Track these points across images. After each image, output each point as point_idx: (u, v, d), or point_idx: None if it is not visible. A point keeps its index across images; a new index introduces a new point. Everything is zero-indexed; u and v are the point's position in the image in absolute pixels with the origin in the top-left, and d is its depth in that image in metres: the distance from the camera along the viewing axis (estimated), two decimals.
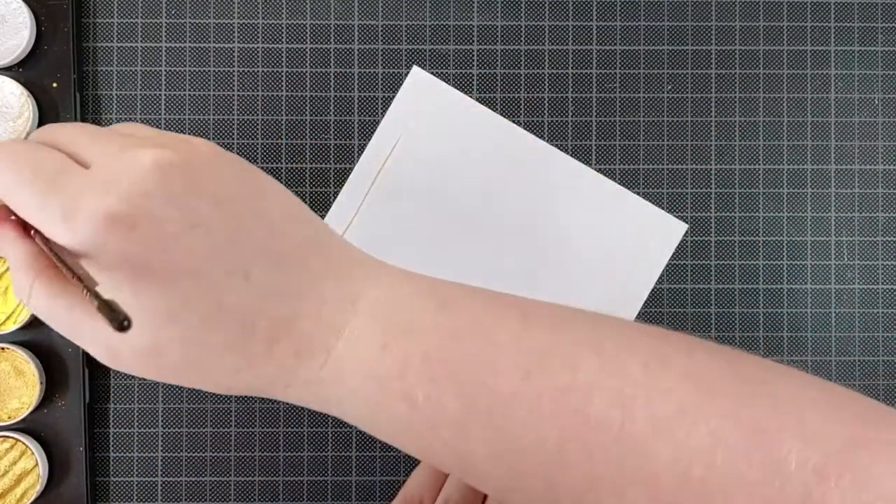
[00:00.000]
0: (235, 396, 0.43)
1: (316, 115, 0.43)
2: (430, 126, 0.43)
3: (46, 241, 0.27)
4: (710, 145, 0.43)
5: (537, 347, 0.27)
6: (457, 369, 0.27)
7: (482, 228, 0.43)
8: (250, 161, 0.43)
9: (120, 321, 0.22)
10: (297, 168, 0.43)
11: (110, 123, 0.43)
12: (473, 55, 0.43)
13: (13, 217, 0.28)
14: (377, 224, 0.43)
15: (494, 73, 0.43)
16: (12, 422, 0.41)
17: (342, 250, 0.30)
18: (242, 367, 0.28)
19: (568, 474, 0.26)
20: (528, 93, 0.43)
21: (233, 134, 0.43)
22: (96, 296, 0.23)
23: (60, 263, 0.25)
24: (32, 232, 0.27)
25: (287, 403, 0.43)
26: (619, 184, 0.43)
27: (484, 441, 0.27)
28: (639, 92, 0.43)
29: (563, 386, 0.26)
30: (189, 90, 0.43)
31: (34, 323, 0.41)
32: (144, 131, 0.30)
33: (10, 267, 0.30)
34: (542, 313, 0.29)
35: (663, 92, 0.43)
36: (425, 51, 0.43)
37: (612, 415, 0.25)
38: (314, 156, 0.43)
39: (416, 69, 0.43)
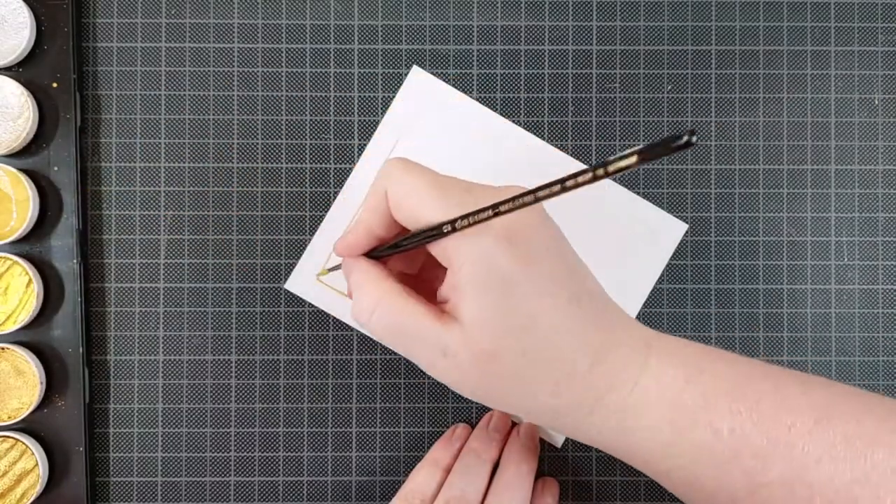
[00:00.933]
0: (235, 396, 0.43)
1: (316, 115, 0.43)
2: (430, 126, 0.43)
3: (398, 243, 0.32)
4: (710, 145, 0.43)
5: (820, 402, 0.31)
6: (756, 406, 0.31)
7: None
8: (250, 161, 0.44)
9: (689, 133, 0.22)
10: (297, 168, 0.43)
11: (110, 123, 0.43)
12: (473, 55, 0.43)
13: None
14: None
15: (494, 73, 0.43)
16: (12, 422, 0.41)
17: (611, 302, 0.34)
18: (563, 386, 0.31)
19: None
20: (528, 93, 0.43)
21: (233, 134, 0.43)
22: (604, 164, 0.24)
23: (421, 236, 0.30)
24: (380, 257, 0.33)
25: (287, 403, 0.43)
26: (620, 184, 0.43)
27: (780, 473, 0.30)
28: (639, 92, 0.43)
29: (850, 434, 0.30)
30: (189, 90, 0.43)
31: (34, 323, 0.41)
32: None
33: (353, 284, 0.33)
34: (817, 381, 0.33)
35: (663, 92, 0.43)
36: (425, 51, 0.43)
37: (893, 464, 0.29)
38: (314, 156, 0.43)
39: (416, 69, 0.43)
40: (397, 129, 0.43)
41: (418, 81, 0.43)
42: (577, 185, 0.25)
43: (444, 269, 0.32)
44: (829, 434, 0.30)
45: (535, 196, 0.27)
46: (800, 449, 0.30)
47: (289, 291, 0.43)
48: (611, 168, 0.23)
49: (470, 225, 0.29)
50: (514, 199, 0.27)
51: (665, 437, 0.31)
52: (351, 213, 0.43)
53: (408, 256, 0.36)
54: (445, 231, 0.30)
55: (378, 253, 0.34)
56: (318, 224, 0.43)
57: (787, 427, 0.31)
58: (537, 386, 0.31)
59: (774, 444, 0.30)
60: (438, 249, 0.31)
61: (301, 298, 0.43)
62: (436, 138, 0.43)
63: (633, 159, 0.23)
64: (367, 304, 0.32)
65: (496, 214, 0.28)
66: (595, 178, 0.24)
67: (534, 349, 0.31)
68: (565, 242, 0.33)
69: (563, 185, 0.26)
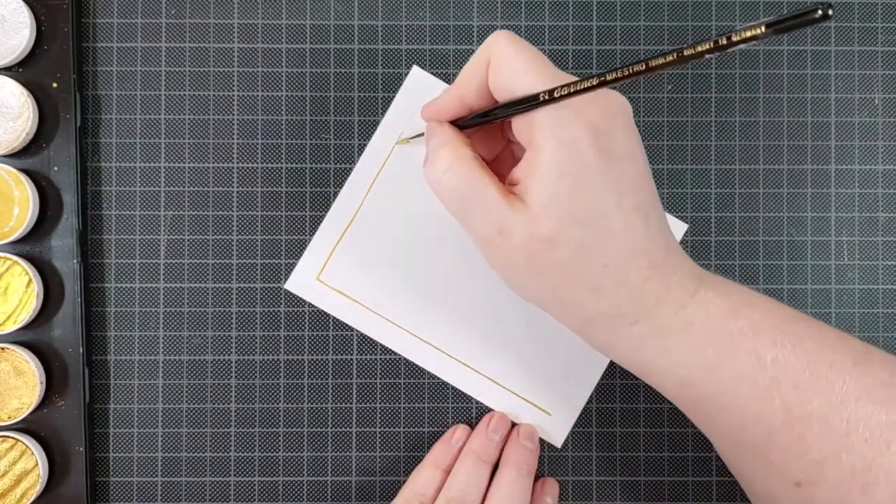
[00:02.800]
0: (235, 396, 0.43)
1: (316, 115, 0.43)
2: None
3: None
4: (710, 145, 0.43)
5: (859, 348, 0.32)
6: (799, 342, 0.32)
7: None
8: (250, 161, 0.44)
9: (825, 8, 0.21)
10: (297, 168, 0.43)
11: (110, 123, 0.43)
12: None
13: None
14: (376, 224, 0.43)
15: None
16: (12, 422, 0.41)
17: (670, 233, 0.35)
18: (611, 290, 0.32)
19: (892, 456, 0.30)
20: None
21: (233, 134, 0.43)
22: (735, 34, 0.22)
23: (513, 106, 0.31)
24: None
25: (287, 403, 0.43)
26: None
27: (819, 406, 0.31)
28: (639, 92, 0.43)
29: (887, 381, 0.31)
30: (189, 90, 0.43)
31: (34, 323, 0.41)
32: None
33: (432, 146, 0.34)
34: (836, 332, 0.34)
35: (663, 92, 0.43)
36: (425, 51, 0.43)
37: None
38: (314, 156, 0.43)
39: (415, 69, 0.43)
40: (397, 129, 0.43)
41: (418, 81, 0.43)
42: (695, 55, 0.23)
43: (519, 162, 0.33)
44: (868, 377, 0.31)
45: (646, 65, 0.26)
46: (840, 386, 0.31)
47: (289, 291, 0.43)
48: (735, 37, 0.22)
49: (569, 95, 0.29)
50: (624, 68, 0.27)
51: (707, 361, 0.32)
52: (351, 213, 0.43)
53: (488, 140, 0.37)
54: (542, 99, 0.30)
55: (465, 122, 0.34)
56: (318, 224, 0.43)
57: (828, 364, 0.31)
58: (585, 284, 0.32)
59: (815, 377, 0.31)
60: (524, 123, 0.32)
61: (301, 298, 0.43)
62: None
63: (762, 30, 0.21)
64: (442, 163, 0.33)
65: (601, 84, 0.28)
66: (716, 48, 0.23)
67: (593, 246, 0.31)
68: (644, 154, 0.33)
69: (679, 53, 0.24)
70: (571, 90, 0.29)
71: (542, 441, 0.43)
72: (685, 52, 0.24)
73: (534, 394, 0.43)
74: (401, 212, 0.43)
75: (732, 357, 0.32)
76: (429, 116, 0.36)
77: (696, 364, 0.32)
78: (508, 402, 0.43)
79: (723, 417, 0.33)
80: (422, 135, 0.37)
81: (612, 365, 0.43)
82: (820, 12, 0.20)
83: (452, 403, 0.43)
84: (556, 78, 0.31)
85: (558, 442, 0.43)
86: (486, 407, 0.43)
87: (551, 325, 0.42)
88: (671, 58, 0.24)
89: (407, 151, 0.43)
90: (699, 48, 0.23)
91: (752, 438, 0.32)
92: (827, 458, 0.31)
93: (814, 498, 0.31)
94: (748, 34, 0.21)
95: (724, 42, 0.22)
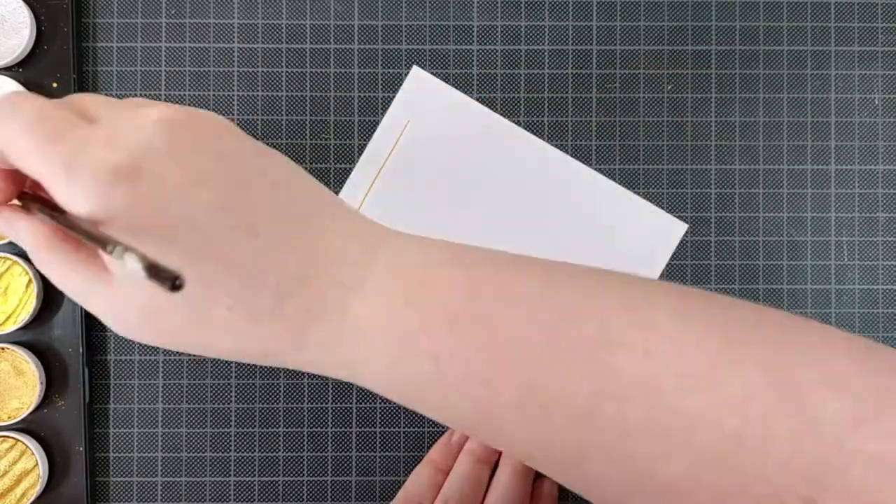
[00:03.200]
0: (235, 396, 0.43)
1: (316, 115, 0.43)
2: (430, 126, 0.43)
3: (54, 212, 0.26)
4: (710, 145, 0.43)
5: (562, 302, 0.26)
6: (483, 325, 0.26)
7: (481, 229, 0.43)
8: None
9: (172, 280, 0.21)
10: None
11: None
12: (473, 55, 0.43)
13: (12, 202, 0.28)
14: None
15: (494, 73, 0.43)
16: (12, 422, 0.41)
17: (352, 212, 0.29)
18: (249, 328, 0.26)
19: (597, 430, 0.25)
20: (527, 93, 0.43)
21: None
22: (143, 258, 0.22)
23: (80, 232, 0.25)
24: (37, 208, 0.27)
25: (287, 403, 0.43)
26: (620, 184, 0.43)
27: (512, 398, 0.26)
28: (639, 92, 0.43)
29: (591, 338, 0.25)
30: (189, 90, 0.43)
31: (34, 323, 0.41)
32: (154, 102, 0.29)
33: (25, 248, 0.29)
34: (565, 271, 0.28)
35: (663, 92, 0.43)
36: (425, 51, 0.43)
37: (643, 368, 0.24)
38: (314, 156, 0.43)
39: (415, 69, 0.43)
40: (397, 129, 0.43)
41: (418, 82, 0.43)
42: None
43: None
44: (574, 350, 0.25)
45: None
46: (531, 371, 0.25)
47: None
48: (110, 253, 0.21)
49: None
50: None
51: (383, 369, 0.27)
52: None
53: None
54: (108, 251, 0.23)
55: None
56: None
57: (517, 348, 0.25)
58: (222, 335, 0.26)
59: (502, 366, 0.26)
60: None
61: None
62: (436, 139, 0.43)
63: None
64: (33, 256, 0.27)
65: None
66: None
67: (200, 296, 0.25)
68: (233, 160, 0.27)
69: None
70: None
71: None
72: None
73: None
74: (402, 211, 0.43)
75: (407, 361, 0.26)
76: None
77: (379, 374, 0.27)
78: None
79: (445, 421, 0.28)
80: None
81: None
82: (170, 283, 0.21)
83: None
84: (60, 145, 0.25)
85: None
86: None
87: None
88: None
89: (407, 154, 0.43)
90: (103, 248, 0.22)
91: (490, 439, 0.28)
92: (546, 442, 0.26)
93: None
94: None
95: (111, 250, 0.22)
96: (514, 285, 0.27)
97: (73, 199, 0.25)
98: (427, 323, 0.26)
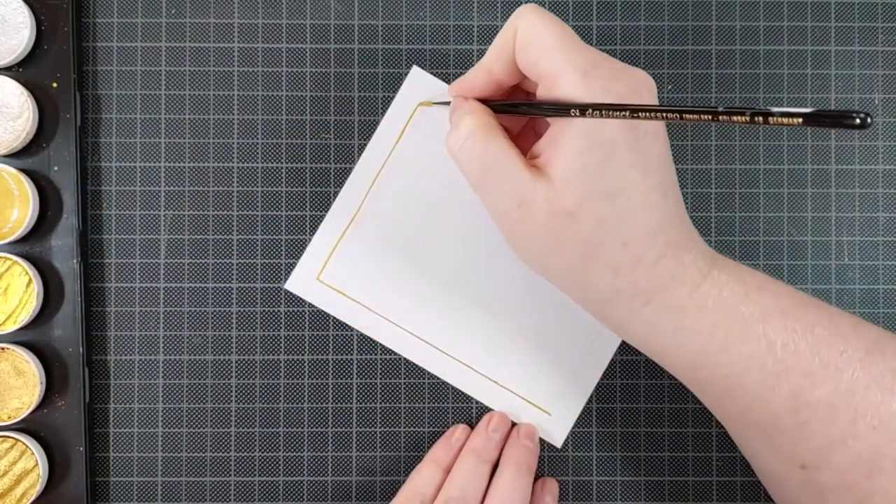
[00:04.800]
0: (235, 396, 0.43)
1: (316, 115, 0.43)
2: (430, 125, 0.43)
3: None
4: (710, 145, 0.43)
5: (871, 337, 0.32)
6: (811, 329, 0.32)
7: (480, 229, 0.43)
8: (250, 161, 0.44)
9: (863, 117, 0.22)
10: (297, 168, 0.43)
11: (110, 123, 0.43)
12: (473, 55, 0.43)
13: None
14: (376, 224, 0.43)
15: None
16: (12, 422, 0.41)
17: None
18: (628, 269, 0.32)
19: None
20: None
21: (233, 134, 0.43)
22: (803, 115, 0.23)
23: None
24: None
25: (287, 403, 0.43)
26: None
27: (828, 394, 0.31)
28: None
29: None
30: (189, 90, 0.43)
31: (34, 323, 0.41)
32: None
33: (456, 116, 0.34)
34: (862, 320, 0.34)
35: (663, 92, 0.43)
36: (425, 51, 0.43)
37: None
38: (314, 156, 0.43)
39: (415, 69, 0.43)
40: (397, 129, 0.43)
41: (418, 82, 0.43)
42: (730, 121, 0.25)
43: (540, 138, 0.33)
44: (880, 366, 0.31)
45: (680, 116, 0.27)
46: (849, 374, 0.31)
47: (289, 291, 0.43)
48: (771, 120, 0.24)
49: (600, 115, 0.29)
50: (657, 109, 0.28)
51: (717, 343, 0.32)
52: (351, 213, 0.43)
53: (511, 116, 0.36)
54: (572, 114, 0.30)
55: (493, 106, 0.35)
56: (318, 224, 0.43)
57: (839, 352, 0.31)
58: (603, 262, 0.32)
59: (825, 365, 0.31)
60: (552, 97, 0.32)
61: (301, 298, 0.43)
62: (435, 138, 0.43)
63: (798, 120, 0.23)
64: (464, 131, 0.33)
65: (633, 117, 0.29)
66: (752, 122, 0.25)
67: (613, 222, 0.31)
68: (666, 133, 0.33)
69: (714, 115, 0.26)
70: (603, 115, 0.29)
71: (542, 441, 0.43)
72: (721, 116, 0.26)
73: (534, 394, 0.43)
74: (401, 211, 0.43)
75: (743, 341, 0.32)
76: (456, 92, 0.36)
77: (706, 346, 0.32)
78: (509, 402, 0.43)
79: (730, 400, 0.33)
80: (447, 103, 0.37)
81: (612, 365, 0.43)
82: (858, 120, 0.22)
83: (453, 403, 0.43)
84: (583, 55, 0.31)
85: (558, 442, 0.43)
86: (487, 407, 0.43)
87: (552, 326, 0.42)
88: (706, 116, 0.26)
89: (406, 154, 0.43)
90: (735, 117, 0.25)
91: (758, 421, 0.32)
92: (832, 444, 0.31)
93: (818, 482, 0.31)
94: (785, 120, 0.23)
95: (760, 120, 0.24)
96: (832, 313, 0.33)
97: (587, 92, 0.30)
98: (765, 315, 0.32)
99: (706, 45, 0.43)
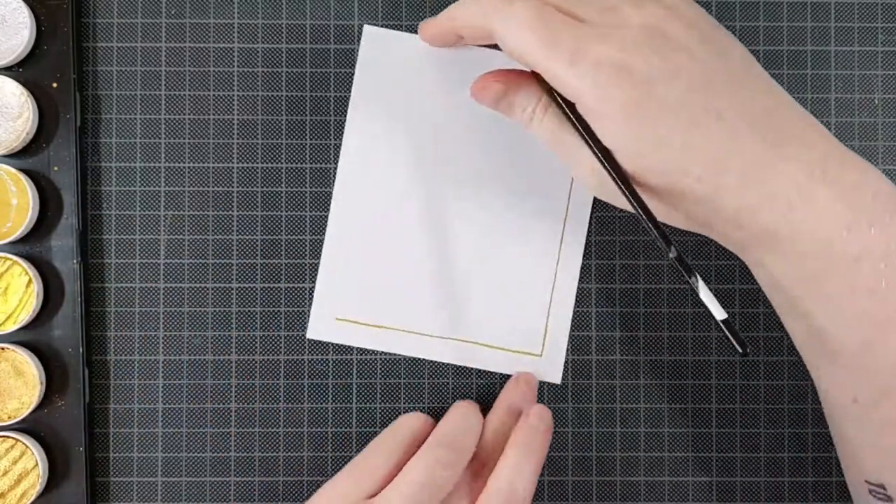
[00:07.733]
0: (235, 396, 0.43)
1: (316, 115, 0.43)
2: (397, 78, 0.42)
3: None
4: None
5: None
6: None
7: (465, 174, 0.42)
8: (250, 161, 0.44)
9: (743, 350, 0.30)
10: (297, 168, 0.43)
11: (110, 123, 0.43)
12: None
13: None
14: (360, 231, 0.43)
15: None
16: (12, 422, 0.41)
17: (809, 123, 0.33)
18: (712, 197, 0.31)
19: None
20: None
21: (233, 134, 0.43)
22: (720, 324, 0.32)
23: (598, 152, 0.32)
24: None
25: (287, 403, 0.43)
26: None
27: None
28: None
29: None
30: (189, 90, 0.43)
31: (34, 323, 0.41)
32: (632, 3, 0.33)
33: (520, 97, 0.37)
34: None
35: None
36: None
37: None
38: (314, 156, 0.43)
39: (367, 28, 0.43)
40: (367, 114, 0.42)
41: (374, 41, 0.42)
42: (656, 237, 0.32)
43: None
44: None
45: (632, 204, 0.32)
46: None
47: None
48: (700, 298, 0.32)
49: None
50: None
51: (806, 273, 0.31)
52: (343, 234, 0.43)
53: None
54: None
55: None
56: (318, 224, 0.43)
57: None
58: (682, 192, 0.32)
59: None
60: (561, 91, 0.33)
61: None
62: (404, 88, 0.42)
63: (720, 316, 0.31)
64: (530, 110, 0.36)
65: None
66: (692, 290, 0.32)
67: (670, 169, 0.31)
68: (719, 48, 0.33)
69: (660, 233, 0.32)
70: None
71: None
72: (670, 253, 0.32)
73: (521, 343, 0.42)
74: (373, 207, 0.43)
75: (834, 282, 0.30)
76: (428, 38, 0.39)
77: (796, 278, 0.31)
78: (503, 360, 0.43)
79: (814, 338, 0.33)
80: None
81: (611, 365, 0.43)
82: (740, 350, 0.28)
83: (453, 403, 0.43)
84: (564, 45, 0.32)
85: (557, 378, 0.43)
86: (485, 404, 0.43)
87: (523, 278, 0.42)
88: (651, 229, 0.32)
89: (381, 109, 0.42)
90: (671, 255, 0.32)
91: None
92: None
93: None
94: (709, 306, 0.32)
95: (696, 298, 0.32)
96: None
97: (575, 81, 0.31)
98: (865, 253, 0.29)
99: None
